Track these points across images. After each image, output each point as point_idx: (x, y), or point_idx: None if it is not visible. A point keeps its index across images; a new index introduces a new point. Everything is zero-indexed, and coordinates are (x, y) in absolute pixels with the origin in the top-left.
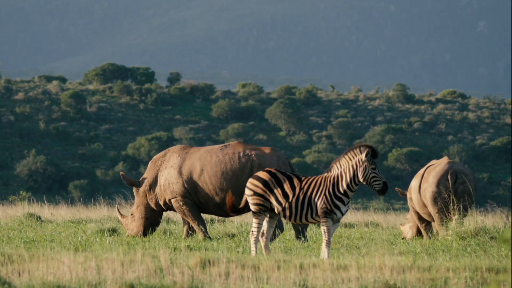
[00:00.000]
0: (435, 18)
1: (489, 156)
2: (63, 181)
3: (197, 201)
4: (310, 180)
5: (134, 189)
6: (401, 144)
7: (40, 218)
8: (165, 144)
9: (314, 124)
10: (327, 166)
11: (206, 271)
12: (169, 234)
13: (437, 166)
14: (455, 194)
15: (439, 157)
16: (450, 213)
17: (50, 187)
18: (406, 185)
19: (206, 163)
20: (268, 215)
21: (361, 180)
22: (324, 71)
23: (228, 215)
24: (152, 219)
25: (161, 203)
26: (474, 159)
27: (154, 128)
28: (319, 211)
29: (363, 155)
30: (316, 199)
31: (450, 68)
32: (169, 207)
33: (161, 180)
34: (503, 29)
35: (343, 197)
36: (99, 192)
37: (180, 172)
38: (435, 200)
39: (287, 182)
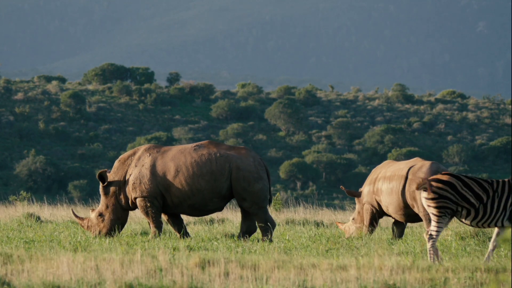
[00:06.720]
0: (435, 18)
1: (488, 156)
2: (62, 181)
3: (169, 202)
4: (501, 183)
5: (102, 189)
6: (401, 144)
7: (39, 218)
8: (164, 144)
9: (314, 124)
10: (327, 166)
11: (205, 271)
12: (169, 235)
13: (422, 168)
14: None
15: (438, 157)
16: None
17: (50, 187)
18: None
19: (181, 163)
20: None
21: None
22: (324, 71)
23: (201, 215)
24: (122, 219)
25: (130, 203)
26: (473, 159)
27: (153, 128)
28: None
29: None
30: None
31: (450, 68)
32: (136, 206)
33: (130, 179)
34: (503, 30)
35: None
36: (98, 193)
37: (152, 173)
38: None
39: (476, 185)
